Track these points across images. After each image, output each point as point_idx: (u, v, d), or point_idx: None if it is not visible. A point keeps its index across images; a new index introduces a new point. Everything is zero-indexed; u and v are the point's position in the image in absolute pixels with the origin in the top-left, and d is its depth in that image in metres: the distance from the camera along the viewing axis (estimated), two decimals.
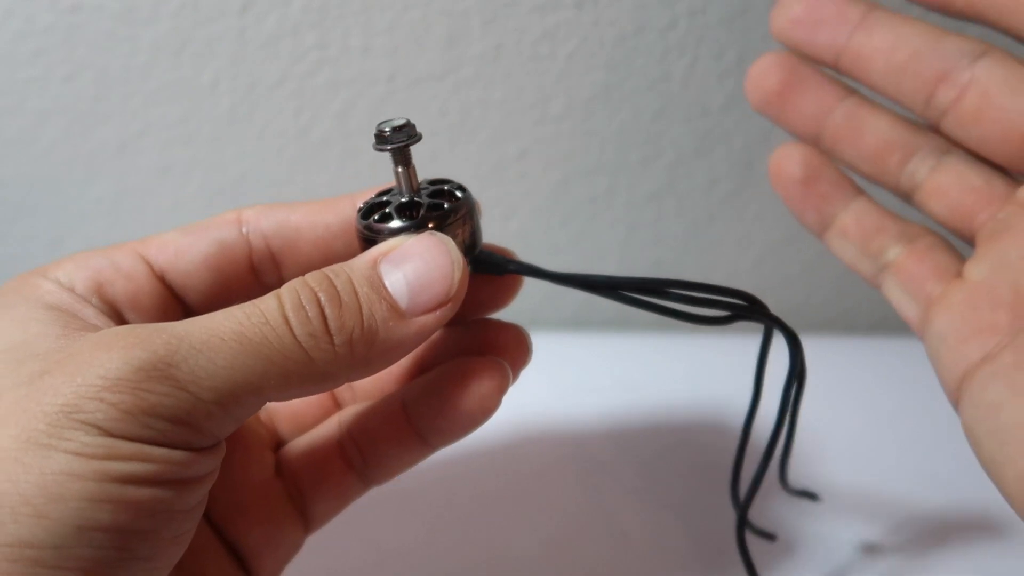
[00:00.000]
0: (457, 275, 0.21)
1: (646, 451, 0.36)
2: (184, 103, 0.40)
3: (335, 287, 0.20)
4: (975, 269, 0.24)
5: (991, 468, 0.22)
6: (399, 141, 0.23)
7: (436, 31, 0.38)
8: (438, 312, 0.21)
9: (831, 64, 0.26)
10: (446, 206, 0.23)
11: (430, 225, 0.22)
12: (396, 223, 0.22)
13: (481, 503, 0.33)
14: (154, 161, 0.41)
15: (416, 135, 0.23)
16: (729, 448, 0.29)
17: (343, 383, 0.21)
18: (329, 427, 0.26)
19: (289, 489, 0.26)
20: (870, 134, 0.26)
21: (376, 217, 0.23)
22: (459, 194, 0.23)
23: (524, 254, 0.45)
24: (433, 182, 0.24)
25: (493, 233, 0.43)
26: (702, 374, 0.39)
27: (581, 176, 0.42)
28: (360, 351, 0.20)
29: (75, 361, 0.18)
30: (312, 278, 0.20)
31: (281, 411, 0.27)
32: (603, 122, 0.41)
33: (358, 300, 0.20)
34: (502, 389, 0.24)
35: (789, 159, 0.27)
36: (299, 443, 0.26)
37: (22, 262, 0.45)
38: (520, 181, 0.42)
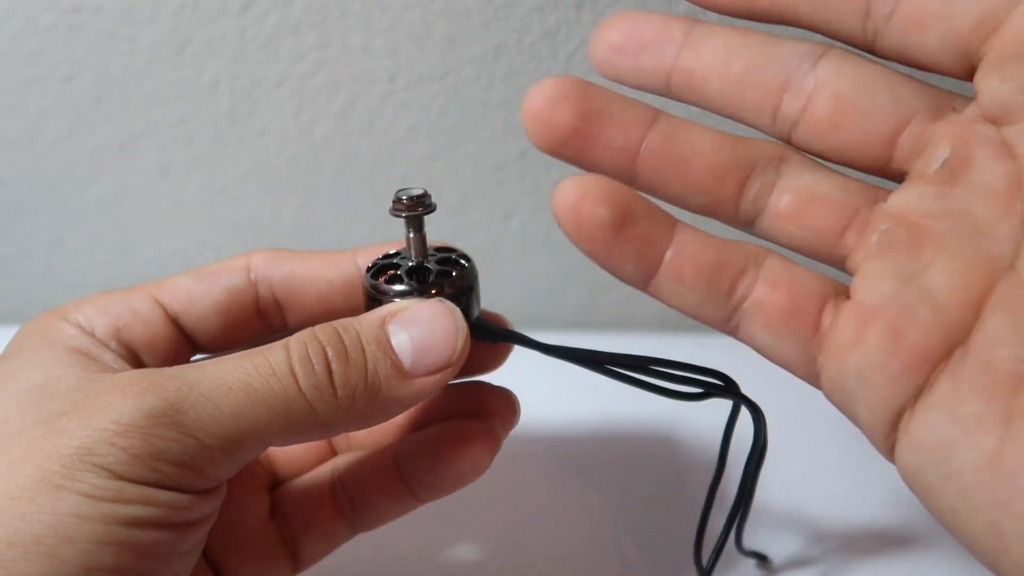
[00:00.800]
0: (460, 342, 0.22)
1: (646, 451, 0.36)
2: (184, 103, 0.40)
3: (343, 342, 0.21)
4: (870, 290, 0.21)
5: (951, 520, 0.19)
6: (415, 210, 0.24)
7: (436, 31, 0.38)
8: (439, 375, 0.22)
9: (662, 90, 0.23)
10: (453, 274, 0.24)
11: (433, 292, 0.23)
12: (403, 286, 0.23)
13: (479, 504, 0.33)
14: (154, 161, 0.41)
15: (431, 206, 0.25)
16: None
17: (342, 432, 0.22)
18: (323, 473, 0.27)
19: (281, 530, 0.26)
20: (697, 158, 0.22)
21: (385, 278, 0.24)
22: (464, 263, 0.25)
23: (524, 254, 0.45)
24: (440, 249, 0.26)
25: (493, 233, 0.43)
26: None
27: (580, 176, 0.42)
28: (361, 405, 0.21)
29: (91, 405, 0.19)
30: (322, 331, 0.21)
31: (278, 453, 0.28)
32: None
33: (364, 357, 0.21)
34: (493, 453, 0.25)
35: (586, 198, 0.21)
36: (293, 486, 0.27)
37: (22, 262, 0.45)
38: (520, 181, 0.42)
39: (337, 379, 0.21)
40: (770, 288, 0.22)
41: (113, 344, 0.23)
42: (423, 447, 0.26)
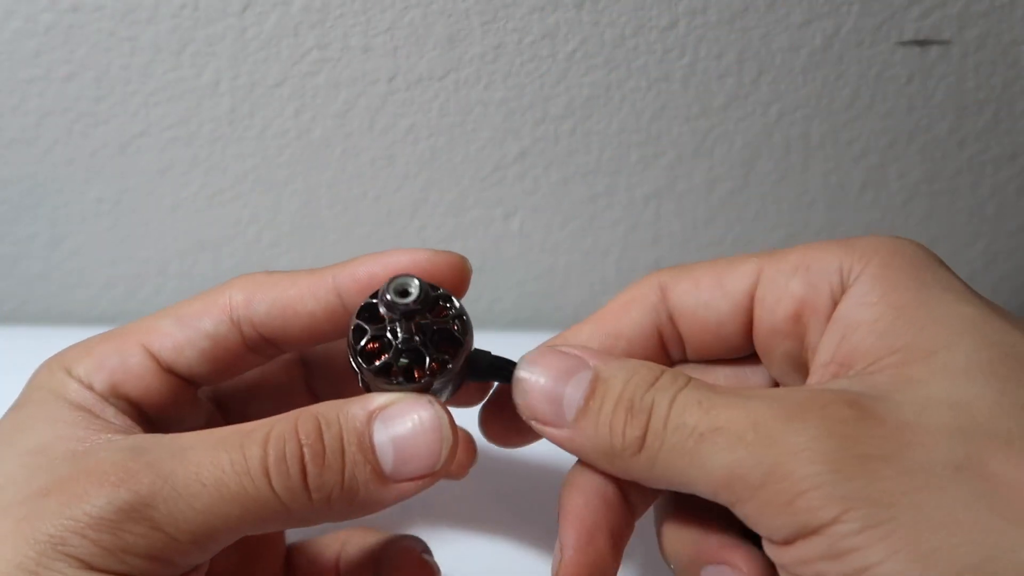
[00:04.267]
0: (445, 452, 0.22)
1: None
2: (184, 103, 0.40)
3: (322, 442, 0.21)
4: None
5: None
6: (408, 310, 0.22)
7: (436, 31, 0.38)
8: (420, 482, 0.22)
9: None
10: (449, 366, 0.22)
11: (432, 391, 0.23)
12: (395, 385, 0.22)
13: (478, 505, 0.33)
14: (154, 161, 0.41)
15: (424, 315, 0.23)
16: None
17: (323, 523, 0.22)
18: (334, 543, 0.28)
19: None
20: None
21: (377, 366, 0.22)
22: (458, 325, 0.23)
23: (524, 254, 0.45)
24: (432, 300, 0.23)
25: (493, 233, 0.44)
26: None
27: (581, 176, 0.42)
28: (337, 507, 0.21)
29: (71, 489, 0.20)
30: (303, 426, 0.21)
31: None
32: (603, 122, 0.41)
33: (343, 461, 0.21)
34: None
35: None
36: (305, 549, 0.28)
37: (22, 262, 0.45)
38: (520, 181, 0.42)
39: (312, 482, 0.21)
40: None
41: (112, 399, 0.24)
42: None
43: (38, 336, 0.40)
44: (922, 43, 0.40)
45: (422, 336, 0.22)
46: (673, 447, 0.20)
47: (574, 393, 0.22)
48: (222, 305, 0.25)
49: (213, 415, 0.27)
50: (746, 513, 0.19)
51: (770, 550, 0.20)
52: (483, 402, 0.26)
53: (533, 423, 0.22)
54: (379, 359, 0.22)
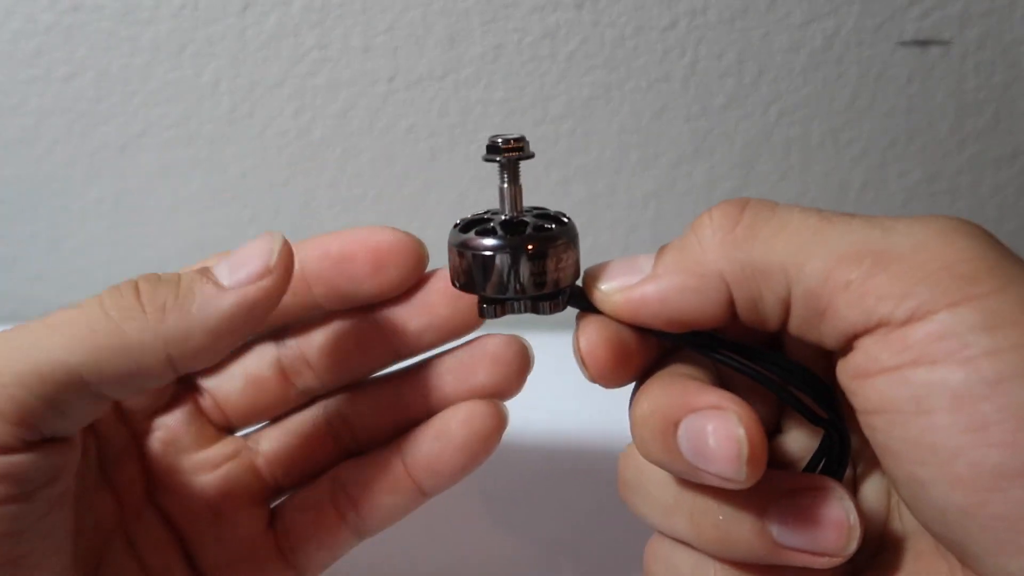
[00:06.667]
0: (277, 246, 0.21)
1: None
2: (184, 103, 0.40)
3: (158, 275, 0.21)
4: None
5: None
6: (511, 154, 0.22)
7: (436, 31, 0.38)
8: (259, 284, 0.21)
9: None
10: (552, 227, 0.22)
11: (530, 247, 0.21)
12: (494, 240, 0.21)
13: (482, 503, 0.33)
14: (154, 161, 0.41)
15: (529, 153, 0.22)
16: None
17: (170, 368, 0.20)
18: (323, 481, 0.27)
19: (280, 542, 0.26)
20: None
21: (476, 231, 0.22)
22: (564, 220, 0.22)
23: None
24: (535, 208, 0.23)
25: None
26: None
27: (581, 176, 0.42)
28: (173, 319, 0.20)
29: None
30: (142, 275, 0.21)
31: (280, 458, 0.27)
32: (603, 122, 0.41)
33: (178, 277, 0.21)
34: (500, 428, 0.25)
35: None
36: (293, 497, 0.27)
37: (22, 262, 0.45)
38: (520, 181, 0.42)
39: (144, 297, 0.20)
40: None
41: None
42: (427, 436, 0.25)
43: None
44: (922, 43, 0.40)
45: (528, 216, 0.22)
46: (783, 228, 0.20)
47: (647, 258, 0.22)
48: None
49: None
50: (860, 291, 0.18)
51: (871, 345, 0.18)
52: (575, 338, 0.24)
53: (617, 296, 0.21)
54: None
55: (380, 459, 0.26)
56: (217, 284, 0.21)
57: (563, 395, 0.38)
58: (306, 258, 0.24)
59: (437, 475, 0.25)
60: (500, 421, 0.25)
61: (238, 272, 0.21)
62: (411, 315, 0.25)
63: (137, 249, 0.44)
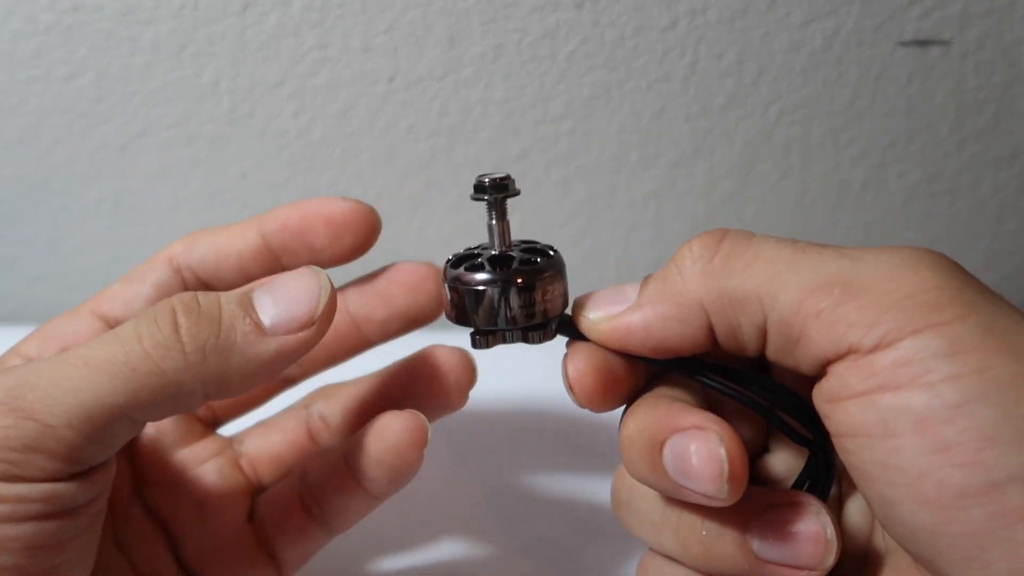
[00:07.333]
0: (323, 299, 0.21)
1: None
2: (184, 103, 0.40)
3: (197, 302, 0.21)
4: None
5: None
6: (497, 193, 0.23)
7: (436, 31, 0.38)
8: (300, 334, 0.21)
9: None
10: (538, 261, 0.23)
11: (519, 280, 0.22)
12: (484, 275, 0.22)
13: (480, 499, 0.33)
14: (154, 161, 0.41)
15: (515, 191, 0.24)
16: None
17: (203, 400, 0.21)
18: (292, 477, 0.27)
19: (260, 536, 0.26)
20: None
21: (465, 267, 0.23)
22: (551, 253, 0.24)
23: None
24: (524, 242, 0.25)
25: None
26: None
27: (581, 176, 0.42)
28: (214, 362, 0.20)
29: None
30: (179, 296, 0.21)
31: (262, 457, 0.28)
32: (603, 122, 0.41)
33: (219, 312, 0.21)
34: (420, 446, 0.24)
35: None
36: (270, 491, 0.27)
37: (22, 262, 0.45)
38: (520, 181, 0.42)
39: (184, 333, 0.20)
40: None
41: None
42: (364, 443, 0.25)
43: None
44: (922, 43, 0.40)
45: (515, 252, 0.23)
46: (759, 257, 0.21)
47: (633, 287, 0.22)
48: (163, 257, 0.27)
49: None
50: (831, 319, 0.19)
51: (842, 371, 0.19)
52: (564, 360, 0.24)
53: (603, 325, 0.22)
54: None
55: (328, 460, 0.26)
56: (258, 326, 0.21)
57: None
58: (270, 231, 0.26)
59: (375, 482, 0.25)
60: (417, 436, 0.25)
61: (282, 313, 0.21)
62: (376, 306, 0.27)
63: (137, 249, 0.44)
